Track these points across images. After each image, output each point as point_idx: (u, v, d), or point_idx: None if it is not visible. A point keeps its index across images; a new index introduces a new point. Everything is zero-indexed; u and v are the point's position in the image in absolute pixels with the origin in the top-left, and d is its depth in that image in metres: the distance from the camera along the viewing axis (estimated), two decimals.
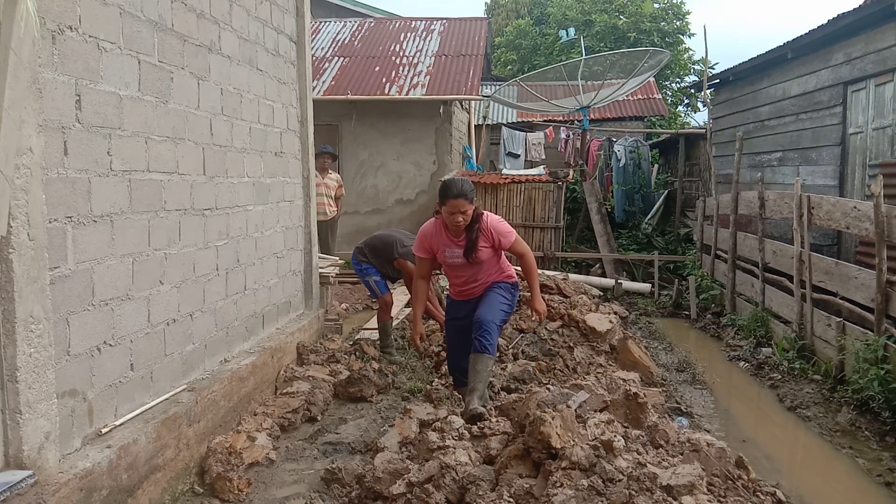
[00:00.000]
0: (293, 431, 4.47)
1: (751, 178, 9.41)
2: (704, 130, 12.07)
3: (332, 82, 12.08)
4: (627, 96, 16.97)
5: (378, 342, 6.19)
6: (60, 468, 2.74)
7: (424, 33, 14.31)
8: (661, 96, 19.63)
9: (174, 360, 3.75)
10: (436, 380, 5.40)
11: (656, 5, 25.00)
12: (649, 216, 12.71)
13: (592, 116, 14.48)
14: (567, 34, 22.62)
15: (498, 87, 17.08)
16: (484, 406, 3.90)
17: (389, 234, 6.10)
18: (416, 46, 13.66)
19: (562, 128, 15.59)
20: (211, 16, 4.19)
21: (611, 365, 5.48)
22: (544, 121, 16.94)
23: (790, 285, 6.67)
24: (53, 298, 2.75)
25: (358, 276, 6.28)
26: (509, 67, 27.13)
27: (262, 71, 5.03)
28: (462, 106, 14.24)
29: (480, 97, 13.03)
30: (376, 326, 6.40)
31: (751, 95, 10.02)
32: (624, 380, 4.37)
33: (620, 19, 24.84)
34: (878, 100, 7.03)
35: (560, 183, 10.99)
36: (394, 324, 6.51)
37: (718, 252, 9.18)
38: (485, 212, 4.30)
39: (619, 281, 9.90)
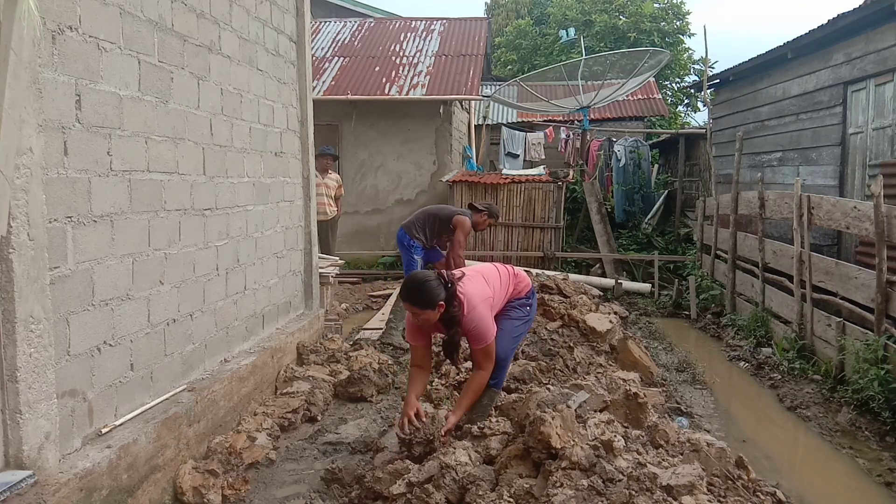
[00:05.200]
0: (293, 431, 4.47)
1: (751, 178, 9.41)
2: (704, 130, 12.07)
3: (332, 82, 12.07)
4: (627, 96, 16.99)
5: (378, 340, 6.20)
6: (60, 468, 2.74)
7: (424, 33, 14.30)
8: (661, 96, 19.64)
9: (174, 360, 3.75)
10: (436, 380, 5.40)
11: (656, 5, 25.01)
12: (649, 216, 12.71)
13: (592, 116, 14.49)
14: (567, 34, 22.67)
15: (498, 87, 17.08)
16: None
17: (439, 205, 6.88)
18: (416, 46, 13.65)
19: (562, 128, 15.59)
20: (211, 16, 4.19)
21: (611, 365, 5.47)
22: (544, 121, 16.93)
23: (790, 285, 6.66)
24: (53, 298, 2.75)
25: (400, 249, 6.68)
26: (509, 67, 27.14)
27: (262, 71, 5.03)
28: (462, 106, 14.23)
29: (480, 97, 13.03)
30: (376, 327, 6.40)
31: (751, 95, 10.02)
32: (624, 380, 4.37)
33: (620, 19, 24.86)
34: (878, 100, 7.02)
35: (560, 183, 10.99)
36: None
37: (718, 252, 9.18)
38: (466, 304, 3.52)
39: (619, 281, 9.90)
